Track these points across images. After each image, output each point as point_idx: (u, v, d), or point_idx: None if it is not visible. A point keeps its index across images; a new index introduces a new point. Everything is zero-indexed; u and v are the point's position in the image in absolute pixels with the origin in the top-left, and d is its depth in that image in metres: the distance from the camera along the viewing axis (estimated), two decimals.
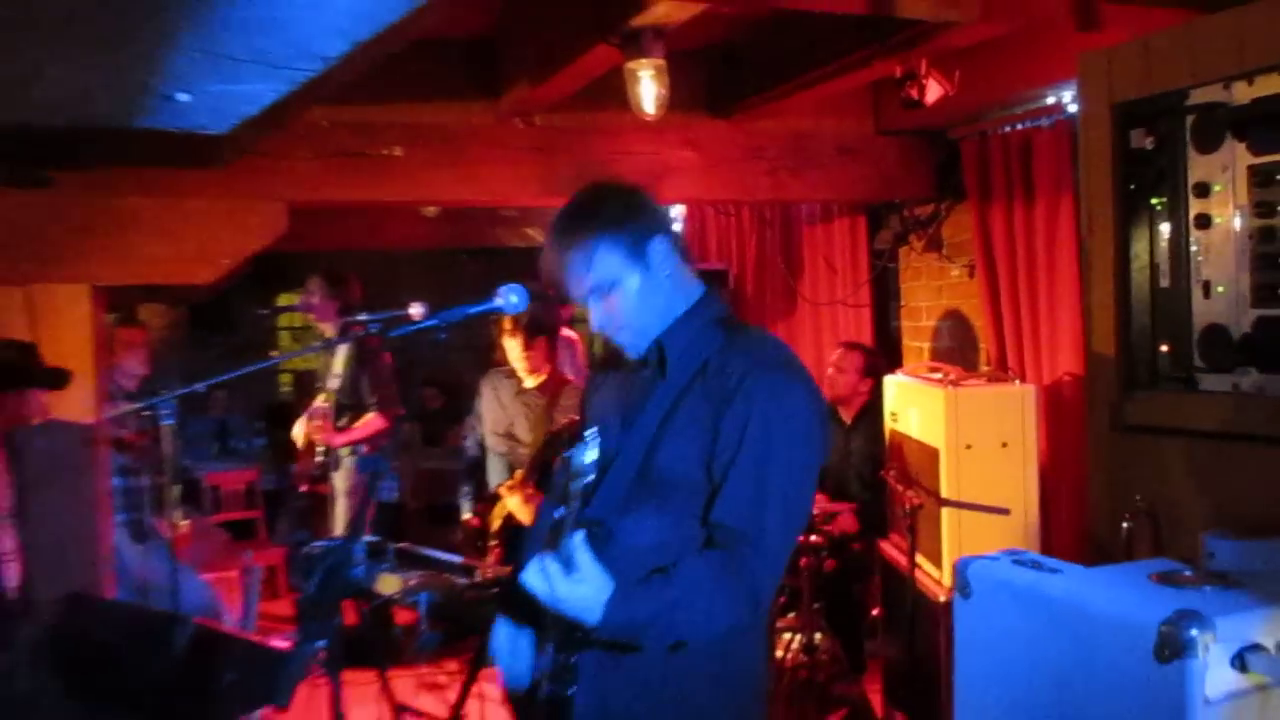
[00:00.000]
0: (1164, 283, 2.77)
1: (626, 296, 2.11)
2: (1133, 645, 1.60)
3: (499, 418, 4.75)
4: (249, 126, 2.36)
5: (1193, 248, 2.67)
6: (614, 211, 2.11)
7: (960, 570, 1.83)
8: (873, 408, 5.08)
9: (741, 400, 2.04)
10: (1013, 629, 1.76)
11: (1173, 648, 1.56)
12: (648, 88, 3.98)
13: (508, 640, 2.24)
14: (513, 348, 4.61)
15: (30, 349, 3.86)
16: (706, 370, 2.12)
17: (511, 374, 4.74)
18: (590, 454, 1.73)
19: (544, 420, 4.59)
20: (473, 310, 2.39)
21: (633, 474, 2.11)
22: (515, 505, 4.50)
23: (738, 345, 2.15)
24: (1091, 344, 3.02)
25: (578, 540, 1.85)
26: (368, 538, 3.58)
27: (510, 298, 2.36)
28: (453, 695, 3.87)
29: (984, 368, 5.09)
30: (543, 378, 4.68)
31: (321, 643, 1.93)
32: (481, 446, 4.89)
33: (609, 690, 2.11)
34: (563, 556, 1.86)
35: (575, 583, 1.86)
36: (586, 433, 1.76)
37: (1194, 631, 1.56)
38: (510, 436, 4.71)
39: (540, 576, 1.87)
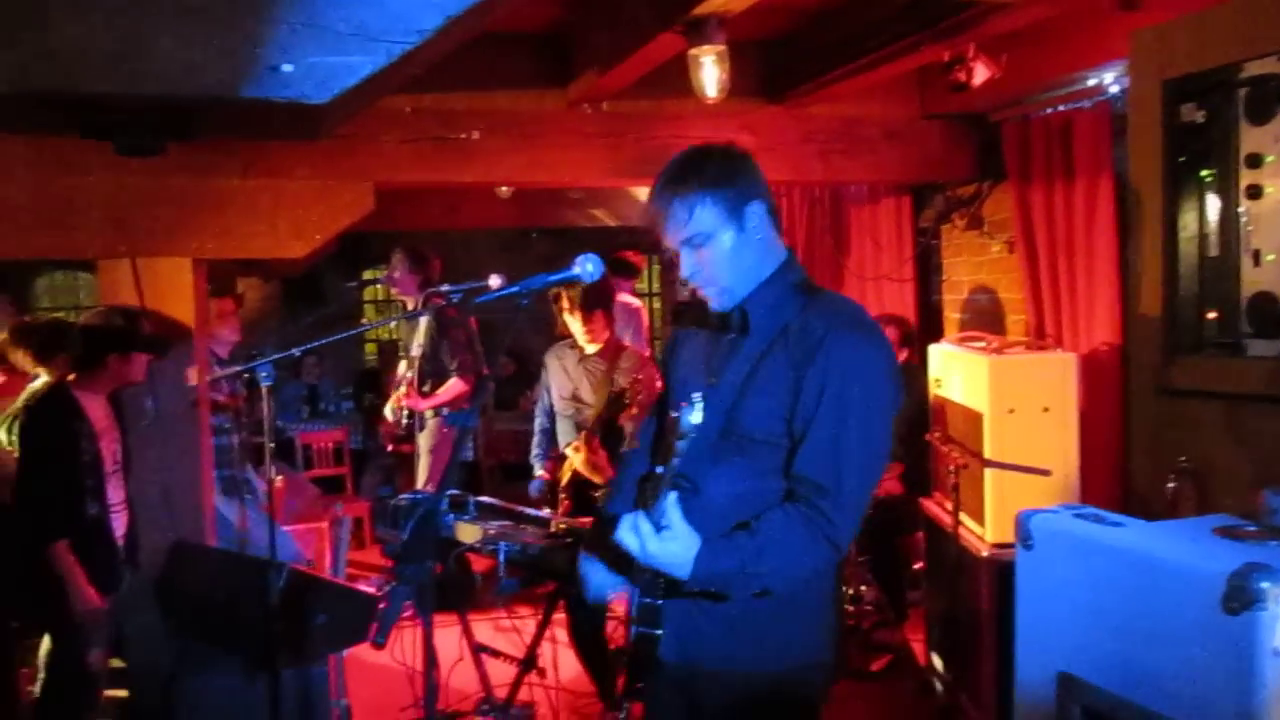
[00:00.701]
0: (1212, 252, 2.65)
1: (718, 251, 2.07)
2: (1199, 596, 1.51)
3: (564, 384, 4.77)
4: (348, 98, 2.30)
5: (1242, 218, 2.54)
6: (721, 170, 2.06)
7: (1023, 522, 1.74)
8: (906, 371, 5.00)
9: (822, 359, 2.00)
10: (1074, 578, 1.67)
11: (1241, 599, 1.47)
12: (710, 72, 3.90)
13: (597, 565, 2.27)
14: (573, 323, 4.64)
15: (136, 315, 3.88)
16: (788, 332, 2.07)
17: (574, 344, 4.76)
18: (695, 415, 1.68)
19: (605, 382, 4.63)
20: (553, 278, 2.36)
21: (717, 430, 2.07)
22: (580, 462, 4.50)
23: (818, 308, 2.10)
24: (1136, 311, 2.90)
25: (670, 501, 1.83)
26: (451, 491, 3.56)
27: (587, 266, 2.33)
28: (524, 638, 3.84)
29: (1015, 338, 4.95)
30: (601, 344, 4.69)
31: (414, 585, 1.88)
32: (549, 414, 4.90)
33: (688, 628, 2.10)
34: (655, 516, 1.84)
35: (666, 540, 1.85)
36: (694, 395, 1.71)
37: (1264, 584, 1.46)
38: (576, 399, 4.73)
39: (633, 534, 1.86)
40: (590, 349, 4.71)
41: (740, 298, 2.13)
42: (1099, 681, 1.64)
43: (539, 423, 4.96)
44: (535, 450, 4.97)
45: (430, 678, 1.96)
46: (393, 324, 9.52)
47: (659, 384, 3.78)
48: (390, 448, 5.95)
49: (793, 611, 2.10)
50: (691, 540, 1.88)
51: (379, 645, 1.74)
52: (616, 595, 2.29)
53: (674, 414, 1.73)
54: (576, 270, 2.31)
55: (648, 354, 6.25)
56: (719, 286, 2.12)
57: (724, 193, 2.05)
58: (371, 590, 4.84)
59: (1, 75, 2.04)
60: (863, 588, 4.87)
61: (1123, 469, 4.38)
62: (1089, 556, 1.65)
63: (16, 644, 3.95)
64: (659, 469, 1.79)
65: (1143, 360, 2.84)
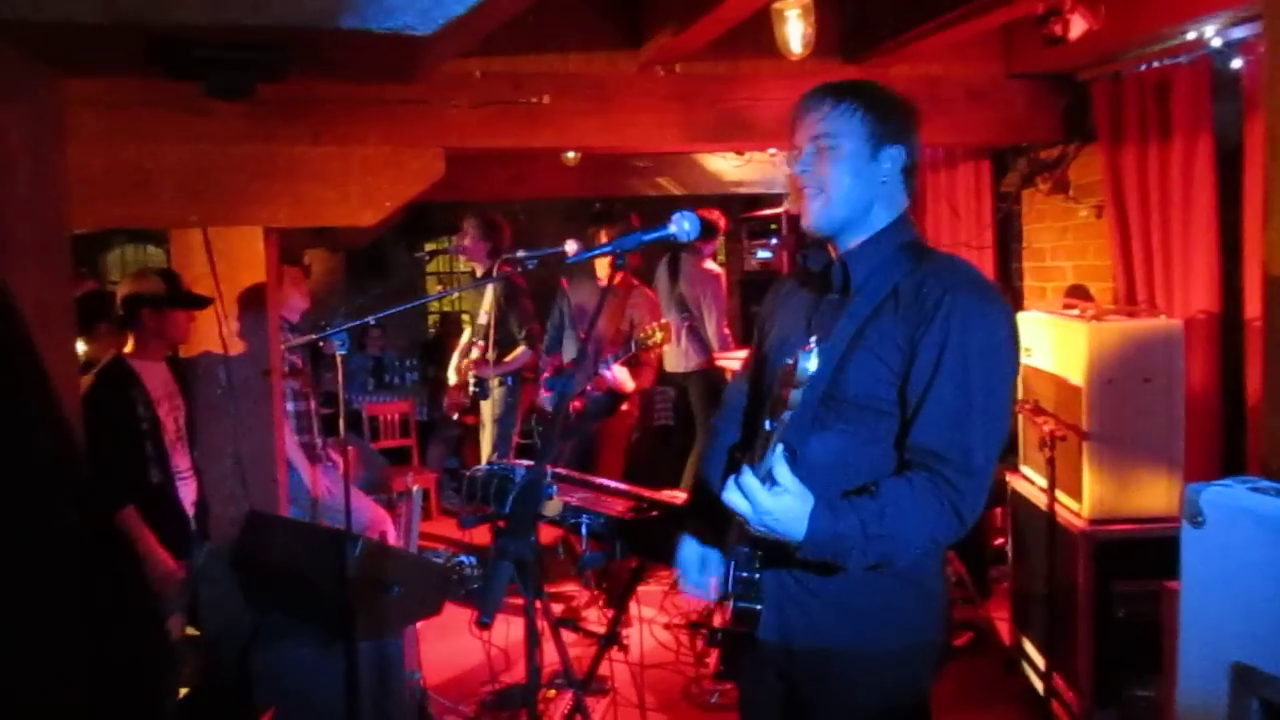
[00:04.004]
0: None
1: (837, 162, 1.93)
2: None
3: (582, 315, 5.44)
4: (451, 30, 2.14)
5: None
6: (884, 101, 1.96)
7: (1191, 498, 1.55)
8: None
9: (940, 321, 1.83)
10: (1254, 559, 1.48)
11: None
12: (795, 27, 3.72)
13: (695, 556, 2.14)
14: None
15: (173, 276, 3.84)
16: (898, 293, 1.90)
17: (594, 277, 5.41)
18: (813, 362, 1.50)
19: (618, 314, 5.19)
20: (647, 237, 2.28)
21: (820, 394, 1.90)
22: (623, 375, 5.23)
23: (930, 268, 1.92)
24: (1270, 271, 2.66)
25: (778, 455, 1.66)
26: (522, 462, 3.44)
27: (683, 224, 2.24)
28: (596, 614, 3.72)
29: (1106, 305, 4.71)
30: (616, 281, 5.01)
31: (515, 560, 1.74)
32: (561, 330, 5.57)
33: (789, 604, 1.96)
34: (761, 472, 1.66)
35: (777, 495, 1.67)
36: (812, 340, 1.54)
37: None
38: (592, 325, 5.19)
39: (740, 494, 1.68)
40: (607, 280, 5.21)
41: (836, 224, 1.97)
42: None
43: (550, 339, 5.59)
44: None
45: (532, 656, 1.82)
46: (455, 294, 9.44)
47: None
48: (456, 417, 5.87)
49: (901, 587, 1.93)
50: (805, 496, 1.71)
51: (485, 625, 1.59)
52: (714, 584, 2.14)
53: (787, 361, 1.55)
54: (672, 229, 2.23)
55: (724, 327, 6.10)
56: (822, 197, 1.96)
57: (874, 117, 1.93)
58: (442, 562, 4.75)
59: (90, 6, 1.92)
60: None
61: (1223, 441, 4.15)
62: (1276, 535, 1.45)
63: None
64: (767, 424, 1.62)
65: (1277, 327, 2.60)
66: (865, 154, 1.93)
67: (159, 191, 4.03)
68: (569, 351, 5.52)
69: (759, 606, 1.95)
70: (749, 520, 1.72)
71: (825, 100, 1.95)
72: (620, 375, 5.25)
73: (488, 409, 5.57)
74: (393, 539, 4.74)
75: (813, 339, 1.54)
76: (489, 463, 3.99)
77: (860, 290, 1.95)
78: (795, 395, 1.53)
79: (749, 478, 1.68)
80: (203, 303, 3.91)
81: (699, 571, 2.13)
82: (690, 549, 2.15)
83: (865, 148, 1.93)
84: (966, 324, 1.83)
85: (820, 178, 1.95)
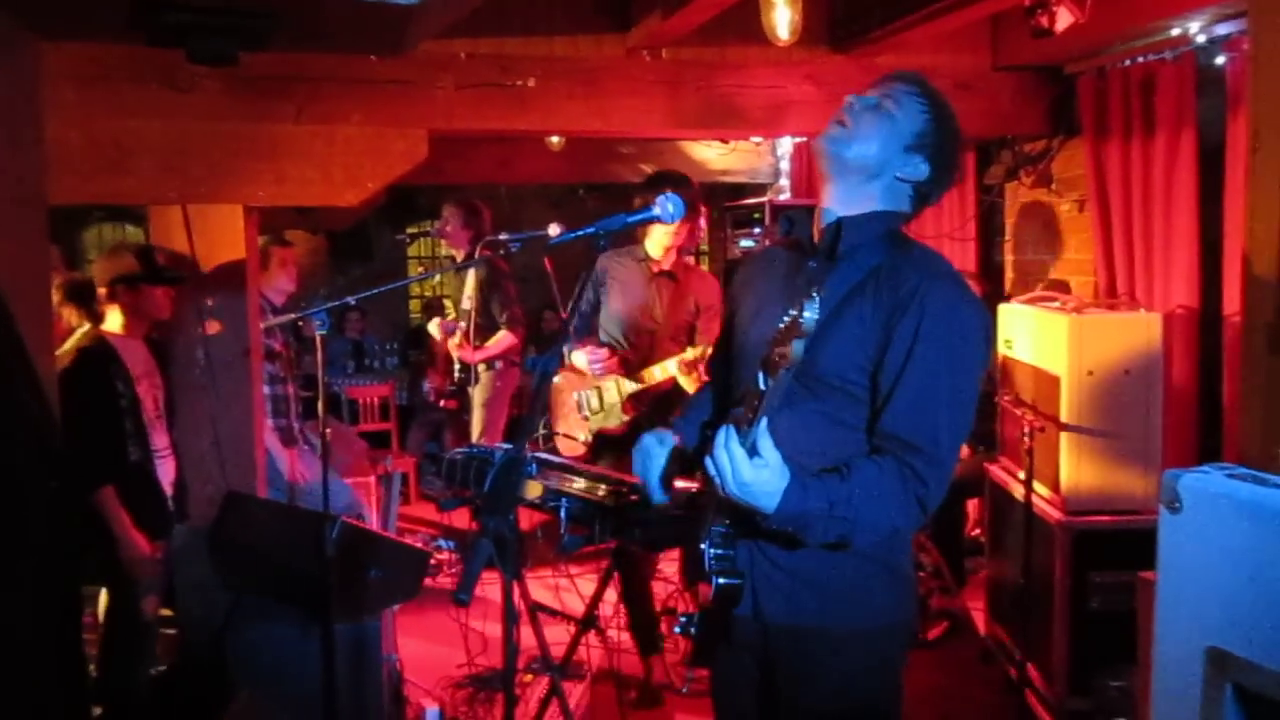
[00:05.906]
0: None
1: (879, 122, 1.98)
2: None
3: (637, 296, 4.36)
4: (438, 1, 2.13)
5: None
6: (949, 126, 2.02)
7: (1169, 483, 1.55)
8: None
9: (914, 311, 1.86)
10: (1231, 544, 1.49)
11: None
12: (782, 13, 3.71)
13: (647, 446, 2.14)
14: (664, 231, 4.24)
15: (148, 251, 3.81)
16: (879, 274, 1.92)
17: (640, 257, 4.36)
18: (813, 313, 1.52)
19: (678, 301, 4.36)
20: (631, 219, 2.29)
21: (793, 368, 1.91)
22: (688, 383, 4.20)
23: (909, 257, 1.96)
24: (1251, 266, 2.68)
25: (762, 428, 1.68)
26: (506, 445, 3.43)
27: (668, 206, 2.26)
28: (572, 599, 3.71)
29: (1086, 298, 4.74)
30: (672, 259, 4.36)
31: (494, 540, 1.73)
32: (586, 318, 4.43)
33: (761, 579, 1.99)
34: (747, 441, 1.69)
35: (757, 468, 1.70)
36: (813, 290, 1.55)
37: None
38: (649, 315, 4.38)
39: (726, 454, 1.70)
40: (665, 264, 4.35)
41: (836, 157, 2.00)
42: (1256, 658, 1.46)
43: (576, 323, 4.39)
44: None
45: (510, 636, 1.82)
46: (437, 278, 9.40)
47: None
48: (441, 403, 5.84)
49: (872, 568, 1.97)
50: (783, 473, 1.73)
51: (462, 603, 1.59)
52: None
53: (791, 313, 1.56)
54: (657, 210, 2.27)
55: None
56: (847, 132, 1.99)
57: (932, 129, 1.98)
58: (421, 545, 4.73)
59: None
60: (920, 554, 4.71)
61: (1200, 435, 4.18)
62: (1253, 520, 1.46)
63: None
64: (762, 381, 1.62)
65: (1257, 321, 2.62)
66: (901, 143, 1.97)
67: (138, 167, 3.97)
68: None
69: (740, 581, 1.95)
70: (723, 483, 1.73)
71: (916, 85, 2.01)
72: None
73: (477, 394, 5.55)
74: (371, 523, 4.73)
75: (814, 289, 1.55)
76: (469, 445, 3.97)
77: (844, 259, 1.97)
78: (798, 347, 1.53)
79: (736, 445, 1.69)
80: (179, 279, 3.88)
81: (646, 460, 2.12)
82: (645, 440, 2.15)
83: (905, 140, 1.97)
84: (941, 317, 1.86)
85: (859, 118, 1.99)
